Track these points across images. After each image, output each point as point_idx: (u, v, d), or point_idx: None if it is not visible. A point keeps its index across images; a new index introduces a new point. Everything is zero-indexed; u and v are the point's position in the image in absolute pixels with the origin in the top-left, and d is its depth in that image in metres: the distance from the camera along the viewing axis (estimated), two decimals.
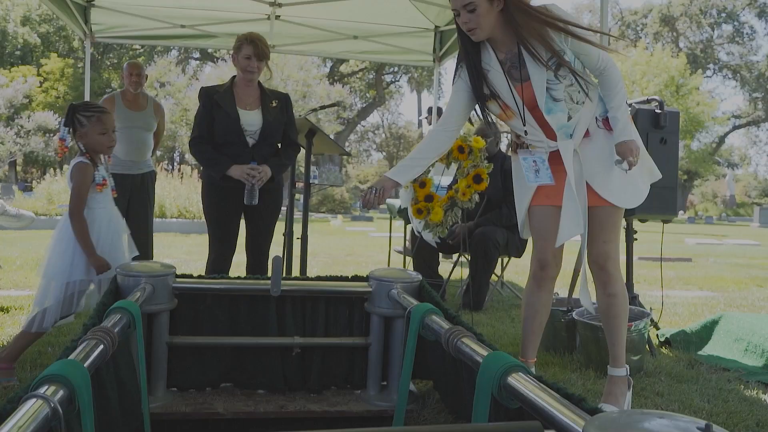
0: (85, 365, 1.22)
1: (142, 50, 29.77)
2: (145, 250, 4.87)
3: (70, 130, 2.57)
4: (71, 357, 1.25)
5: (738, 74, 41.54)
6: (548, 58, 2.11)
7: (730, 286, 5.92)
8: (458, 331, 1.63)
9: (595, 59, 2.17)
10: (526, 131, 2.25)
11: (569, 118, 2.19)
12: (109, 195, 2.64)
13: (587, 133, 2.24)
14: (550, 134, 2.22)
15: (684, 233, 16.06)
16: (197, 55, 32.76)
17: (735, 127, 42.28)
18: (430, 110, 8.04)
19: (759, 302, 4.99)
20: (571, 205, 2.21)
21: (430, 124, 8.02)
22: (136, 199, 4.85)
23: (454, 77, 2.33)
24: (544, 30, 2.10)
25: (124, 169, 4.78)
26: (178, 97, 26.84)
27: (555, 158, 2.24)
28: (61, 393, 1.08)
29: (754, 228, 23.00)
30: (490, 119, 2.35)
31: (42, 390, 1.05)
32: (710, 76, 41.72)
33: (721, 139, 40.87)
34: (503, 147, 5.20)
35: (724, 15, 40.94)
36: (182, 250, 7.60)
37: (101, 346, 1.38)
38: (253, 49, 3.13)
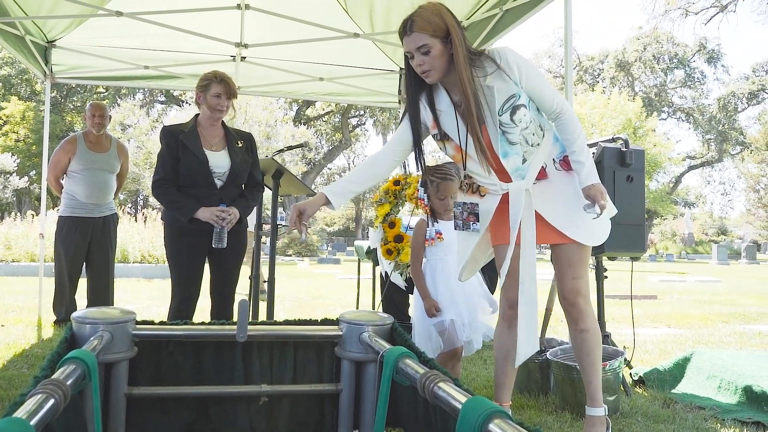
0: (32, 423, 1.12)
1: (106, 93, 29.53)
2: (105, 295, 4.71)
3: (426, 188, 2.86)
4: (16, 414, 1.14)
5: (691, 117, 43.17)
6: (501, 104, 2.10)
7: (696, 323, 5.97)
8: (434, 375, 1.56)
9: (550, 102, 2.17)
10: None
11: (524, 160, 2.19)
12: (445, 244, 2.84)
13: (545, 175, 2.23)
14: (504, 176, 2.21)
15: (647, 271, 16.33)
16: (163, 98, 32.62)
17: (690, 168, 43.75)
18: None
19: (726, 338, 5.03)
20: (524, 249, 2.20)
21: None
22: (96, 243, 4.71)
23: (403, 116, 2.32)
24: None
25: (84, 212, 4.65)
26: (142, 140, 26.56)
27: (508, 199, 2.23)
28: None
29: (713, 265, 23.56)
30: (423, 165, 2.32)
31: None
32: (665, 119, 43.27)
33: (678, 179, 42.18)
34: None
35: (676, 60, 42.77)
36: (145, 296, 7.37)
37: (51, 401, 1.27)
38: (223, 88, 3.09)
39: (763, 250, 32.50)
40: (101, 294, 4.71)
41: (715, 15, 22.71)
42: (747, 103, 42.46)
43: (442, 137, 2.24)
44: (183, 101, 28.30)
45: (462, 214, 2.32)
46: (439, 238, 2.84)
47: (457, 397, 1.40)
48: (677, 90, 43.73)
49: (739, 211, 45.32)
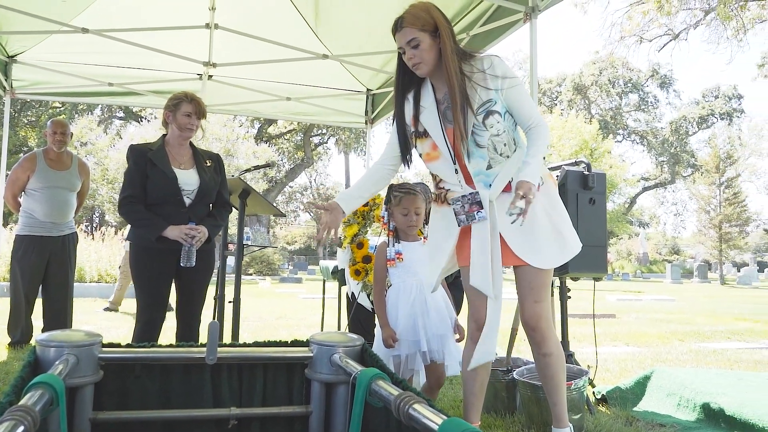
0: None
1: (62, 108, 28.85)
2: (63, 317, 4.57)
3: (388, 206, 2.81)
4: None
5: (645, 139, 44.56)
6: (479, 104, 2.17)
7: (654, 341, 6.13)
8: (409, 397, 1.57)
9: (527, 115, 2.23)
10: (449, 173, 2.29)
11: (489, 167, 2.22)
12: (407, 266, 2.77)
13: (509, 188, 2.25)
14: (469, 180, 2.26)
15: (604, 290, 16.67)
16: (121, 114, 32.05)
17: (644, 189, 45.06)
18: None
19: (683, 356, 5.17)
20: (478, 258, 2.23)
21: None
22: (55, 263, 4.57)
23: (393, 120, 2.42)
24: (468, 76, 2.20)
25: (43, 230, 4.53)
26: (100, 157, 26.01)
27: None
28: None
29: (667, 284, 24.21)
30: (408, 163, 2.41)
31: None
32: (620, 141, 44.55)
33: (633, 200, 43.37)
34: None
35: (630, 85, 44.20)
36: (103, 317, 7.18)
37: (21, 428, 1.24)
38: (193, 107, 3.10)
39: (714, 269, 33.56)
40: (59, 315, 4.57)
41: (668, 43, 23.60)
42: (698, 126, 44.12)
43: (419, 135, 2.31)
44: (142, 117, 27.84)
45: (464, 208, 2.26)
46: (399, 258, 2.78)
47: (433, 418, 1.42)
48: (632, 113, 45.15)
49: (690, 231, 46.81)
